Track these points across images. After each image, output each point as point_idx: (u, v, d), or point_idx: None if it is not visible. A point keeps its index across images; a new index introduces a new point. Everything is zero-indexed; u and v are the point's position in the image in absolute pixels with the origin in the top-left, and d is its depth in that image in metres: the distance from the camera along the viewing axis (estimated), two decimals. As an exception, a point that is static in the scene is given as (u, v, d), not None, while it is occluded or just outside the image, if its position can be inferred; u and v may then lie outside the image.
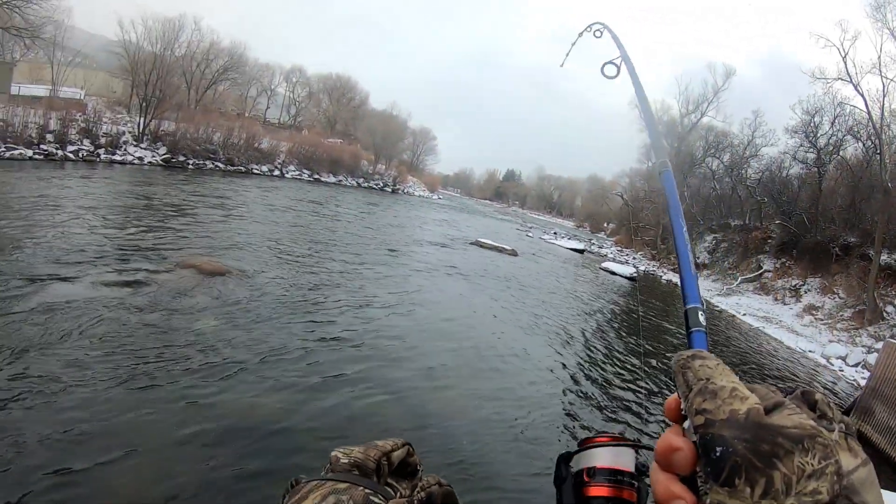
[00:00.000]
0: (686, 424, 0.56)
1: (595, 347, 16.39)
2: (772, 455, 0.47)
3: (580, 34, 2.50)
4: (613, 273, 38.78)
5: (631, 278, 37.92)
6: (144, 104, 48.33)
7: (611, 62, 1.90)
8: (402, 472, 0.87)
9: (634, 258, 56.80)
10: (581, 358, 14.80)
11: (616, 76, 1.87)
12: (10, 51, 50.51)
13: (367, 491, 0.75)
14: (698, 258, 49.48)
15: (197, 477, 6.25)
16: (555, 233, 68.57)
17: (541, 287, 24.62)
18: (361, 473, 0.80)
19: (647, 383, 13.71)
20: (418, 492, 0.83)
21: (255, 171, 55.86)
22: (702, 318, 0.85)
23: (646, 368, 15.16)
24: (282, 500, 0.78)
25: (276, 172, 59.20)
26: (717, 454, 0.48)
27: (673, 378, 0.59)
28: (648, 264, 54.15)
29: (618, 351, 16.55)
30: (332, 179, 67.20)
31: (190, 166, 48.77)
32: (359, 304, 14.62)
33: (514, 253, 34.15)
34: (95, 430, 6.69)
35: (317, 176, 64.42)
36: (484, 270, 24.92)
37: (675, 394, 0.60)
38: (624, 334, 19.53)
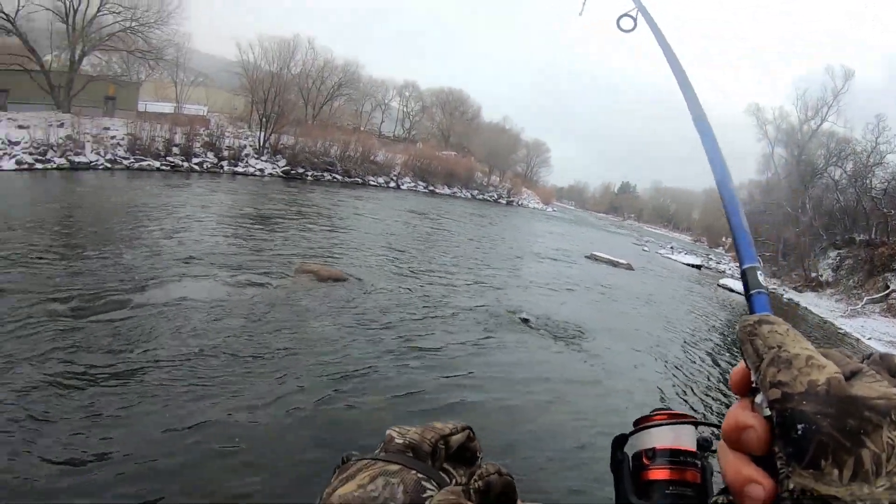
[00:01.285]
0: (758, 399, 0.50)
1: (706, 365, 15.08)
2: (859, 431, 0.42)
3: None
4: (731, 290, 35.63)
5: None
6: (264, 119, 50.29)
7: (626, 15, 1.77)
8: (460, 458, 0.81)
9: (754, 277, 52.11)
10: (691, 376, 13.63)
11: (633, 29, 1.75)
12: (137, 71, 54.06)
13: (419, 475, 0.71)
14: (821, 276, 44.72)
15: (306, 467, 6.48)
16: (671, 247, 64.95)
17: (656, 302, 23.21)
18: (416, 456, 0.75)
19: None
20: (475, 480, 0.72)
21: (372, 183, 56.28)
22: (761, 279, 0.71)
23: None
24: (332, 476, 0.74)
25: (392, 184, 59.42)
26: (799, 432, 0.43)
27: (739, 347, 0.53)
28: (768, 282, 49.38)
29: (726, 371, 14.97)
30: (446, 191, 66.78)
31: (308, 178, 50.13)
32: (475, 315, 14.27)
33: (629, 267, 32.52)
34: (212, 418, 7.22)
35: (432, 188, 64.17)
36: (599, 284, 23.80)
37: (741, 364, 0.53)
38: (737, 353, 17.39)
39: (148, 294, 11.77)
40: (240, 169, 45.63)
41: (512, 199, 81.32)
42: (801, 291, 42.40)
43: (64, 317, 9.99)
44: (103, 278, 12.59)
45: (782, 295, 42.41)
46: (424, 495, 0.68)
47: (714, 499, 0.57)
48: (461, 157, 76.12)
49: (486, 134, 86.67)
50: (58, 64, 48.71)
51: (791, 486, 0.43)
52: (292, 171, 49.07)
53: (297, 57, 59.81)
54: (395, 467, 0.70)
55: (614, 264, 32.18)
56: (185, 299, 11.64)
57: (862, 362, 0.48)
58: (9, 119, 40.83)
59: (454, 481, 0.75)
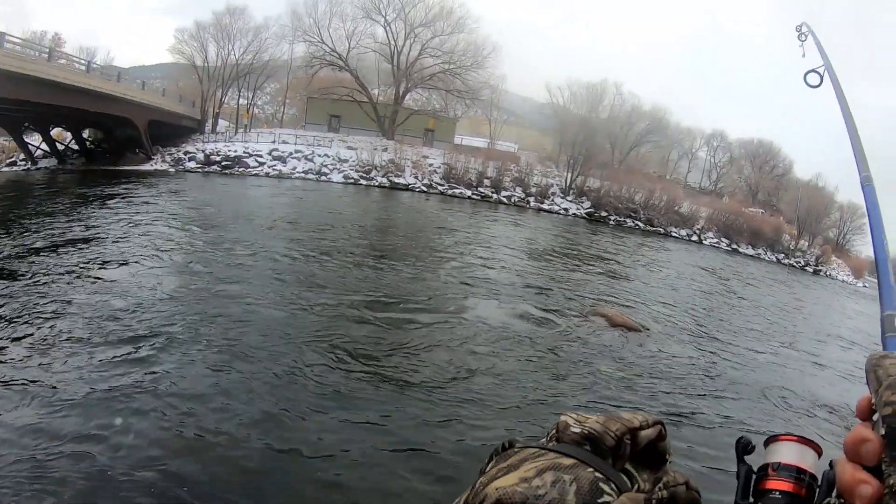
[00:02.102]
0: (875, 417, 0.59)
1: None
2: None
3: (798, 37, 2.34)
4: None
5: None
6: (571, 161, 50.47)
7: (814, 71, 1.90)
8: (646, 459, 0.69)
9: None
10: None
11: (819, 85, 1.86)
12: (454, 108, 58.27)
13: (596, 474, 0.59)
14: None
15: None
16: None
17: None
18: (594, 450, 0.63)
19: None
20: (660, 489, 0.62)
21: (674, 234, 52.77)
22: None
23: None
24: (486, 463, 0.65)
25: (694, 238, 55.24)
26: None
27: (866, 378, 0.62)
28: None
29: None
30: (750, 251, 60.66)
31: (611, 222, 49.02)
32: (756, 385, 12.71)
33: None
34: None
35: (735, 246, 58.65)
36: None
37: (867, 394, 0.62)
38: None
39: (442, 307, 13.15)
40: (545, 206, 46.46)
41: (820, 267, 71.91)
42: None
43: (361, 313, 11.60)
44: (406, 284, 14.60)
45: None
46: (601, 500, 0.57)
47: (827, 500, 0.64)
48: (768, 216, 69.21)
49: (797, 192, 78.77)
50: (384, 98, 53.26)
51: (893, 482, 0.50)
52: (595, 214, 48.63)
53: (604, 101, 59.13)
54: (568, 461, 0.60)
55: None
56: (477, 317, 12.71)
57: None
58: (340, 140, 46.99)
59: (636, 486, 0.63)
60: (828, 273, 73.09)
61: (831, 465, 0.66)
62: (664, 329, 15.80)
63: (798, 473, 0.69)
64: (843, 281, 74.06)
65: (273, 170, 40.91)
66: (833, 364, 18.11)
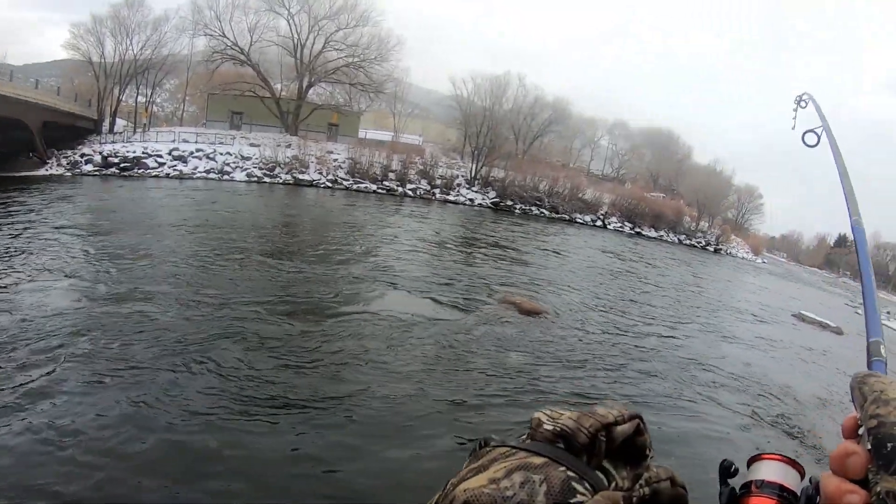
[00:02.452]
0: (860, 431, 0.62)
1: None
2: None
3: (795, 104, 2.55)
4: None
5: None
6: (476, 152, 51.29)
7: (811, 131, 1.99)
8: (625, 455, 0.66)
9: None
10: None
11: (816, 144, 1.97)
12: (358, 102, 58.07)
13: (569, 473, 0.58)
14: None
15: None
16: (887, 312, 55.99)
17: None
18: (568, 448, 0.62)
19: None
20: (641, 486, 0.62)
21: (578, 221, 54.33)
22: (883, 351, 0.98)
23: None
24: (466, 461, 0.64)
25: (598, 223, 56.96)
26: (889, 449, 0.54)
27: (851, 394, 0.64)
28: None
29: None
30: (653, 234, 62.96)
31: (517, 211, 49.99)
32: (664, 365, 13.33)
33: (839, 331, 28.16)
34: (384, 432, 7.57)
35: (638, 230, 60.79)
36: (802, 347, 21.21)
37: (852, 414, 0.65)
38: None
39: (356, 302, 13.26)
40: (451, 197, 47.03)
41: (720, 246, 75.34)
42: None
43: (272, 314, 11.45)
44: (313, 283, 14.42)
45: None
46: (573, 500, 0.56)
47: None
48: (669, 200, 72.26)
49: (696, 176, 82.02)
50: (287, 92, 52.52)
51: (879, 489, 0.52)
52: (501, 203, 49.47)
53: (508, 93, 59.89)
54: (539, 460, 0.59)
55: (823, 326, 28.83)
56: (388, 312, 12.68)
57: None
58: (243, 137, 45.81)
59: (614, 484, 0.62)
60: (728, 251, 76.66)
61: (810, 480, 0.69)
62: (571, 312, 16.25)
63: (781, 491, 0.70)
64: (742, 258, 77.98)
65: (174, 170, 39.52)
66: (737, 336, 19.53)
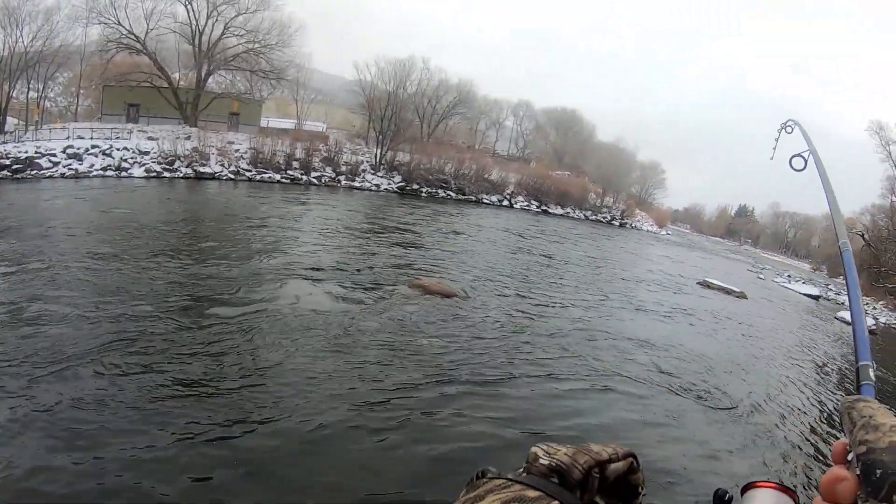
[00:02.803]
0: (850, 457, 0.64)
1: (813, 403, 13.56)
2: None
3: (778, 131, 2.62)
4: (849, 323, 31.89)
5: (870, 332, 30.63)
6: (381, 137, 51.43)
7: (798, 155, 2.02)
8: (618, 492, 0.69)
9: (875, 308, 46.53)
10: (794, 410, 12.40)
11: (803, 169, 1.99)
12: (260, 90, 56.34)
13: None
14: None
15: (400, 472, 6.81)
16: (788, 276, 60.05)
17: (765, 335, 20.93)
18: (562, 483, 0.63)
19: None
20: None
21: (485, 201, 55.44)
22: (871, 374, 0.97)
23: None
24: (463, 490, 0.65)
25: (505, 203, 58.28)
26: (877, 476, 0.56)
27: (840, 420, 0.67)
28: (891, 316, 43.94)
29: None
30: (559, 211, 64.79)
31: (423, 194, 50.49)
32: (576, 337, 13.86)
33: (742, 296, 30.24)
34: (300, 420, 7.52)
35: (545, 207, 62.45)
36: (709, 312, 22.38)
37: (842, 440, 0.67)
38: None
39: (259, 297, 12.74)
40: (356, 184, 46.99)
41: (625, 220, 78.17)
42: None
43: (173, 316, 10.77)
44: (217, 280, 13.77)
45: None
46: None
47: None
48: (575, 178, 74.13)
49: (601, 154, 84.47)
50: (185, 82, 51.03)
51: None
52: (407, 188, 49.87)
53: (412, 76, 60.11)
54: (533, 493, 0.59)
55: (727, 292, 30.32)
56: (296, 304, 12.47)
57: None
58: (140, 131, 43.72)
59: None
60: (633, 225, 79.56)
61: None
62: (481, 292, 16.48)
63: None
64: (647, 231, 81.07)
65: (69, 170, 37.65)
66: (643, 305, 20.10)
